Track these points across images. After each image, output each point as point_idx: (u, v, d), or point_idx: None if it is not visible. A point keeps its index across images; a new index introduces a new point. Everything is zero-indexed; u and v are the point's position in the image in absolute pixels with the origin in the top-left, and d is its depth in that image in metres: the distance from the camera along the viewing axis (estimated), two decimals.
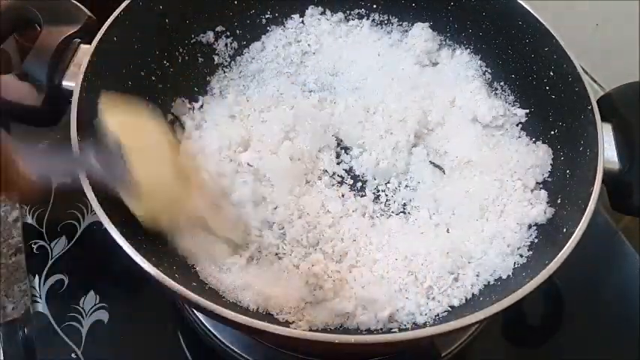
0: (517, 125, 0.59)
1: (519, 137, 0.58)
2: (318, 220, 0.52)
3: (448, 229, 0.52)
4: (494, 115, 0.58)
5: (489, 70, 0.63)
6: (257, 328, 0.38)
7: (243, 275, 0.47)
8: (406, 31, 0.67)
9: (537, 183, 0.54)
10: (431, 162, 0.56)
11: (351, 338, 0.38)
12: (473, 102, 0.59)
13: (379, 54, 0.64)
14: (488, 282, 0.49)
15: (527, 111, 0.59)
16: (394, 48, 0.65)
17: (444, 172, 0.55)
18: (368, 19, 0.68)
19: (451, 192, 0.54)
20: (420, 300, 0.47)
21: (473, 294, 0.49)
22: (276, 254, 0.50)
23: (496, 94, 0.62)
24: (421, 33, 0.65)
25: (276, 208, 0.52)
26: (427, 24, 0.65)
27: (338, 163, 0.58)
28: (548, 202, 0.53)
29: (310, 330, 0.44)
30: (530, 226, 0.51)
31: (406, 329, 0.46)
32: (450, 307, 0.48)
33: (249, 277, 0.47)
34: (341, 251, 0.50)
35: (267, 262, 0.49)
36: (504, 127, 0.59)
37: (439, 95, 0.61)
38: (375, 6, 0.68)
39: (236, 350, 0.55)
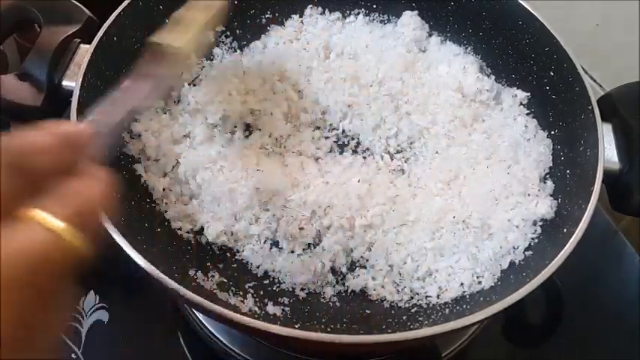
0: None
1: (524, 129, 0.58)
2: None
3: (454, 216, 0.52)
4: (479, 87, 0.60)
5: (489, 70, 0.63)
6: (257, 328, 0.38)
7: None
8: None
9: (541, 178, 0.54)
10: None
11: (350, 338, 0.38)
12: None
13: (367, 46, 0.64)
14: (488, 281, 0.49)
15: (529, 93, 0.59)
16: (385, 39, 0.66)
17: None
18: (367, 17, 0.68)
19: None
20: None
21: (473, 293, 0.49)
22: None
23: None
24: (410, 21, 0.65)
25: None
26: (415, 12, 0.66)
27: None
28: (552, 196, 0.53)
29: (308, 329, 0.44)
30: (534, 223, 0.51)
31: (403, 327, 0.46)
32: (447, 303, 0.48)
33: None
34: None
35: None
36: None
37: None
38: (375, 6, 0.68)
39: (236, 350, 0.55)
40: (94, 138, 0.30)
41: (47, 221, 0.24)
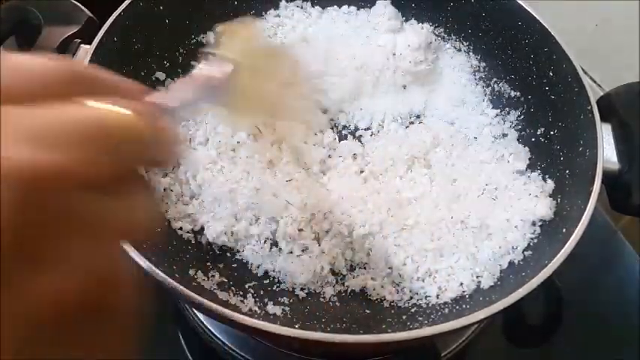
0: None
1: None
2: None
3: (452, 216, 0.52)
4: None
5: (489, 70, 0.63)
6: (257, 328, 0.38)
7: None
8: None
9: (541, 178, 0.55)
10: None
11: (350, 337, 0.38)
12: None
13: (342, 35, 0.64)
14: (488, 281, 0.49)
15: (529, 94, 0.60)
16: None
17: None
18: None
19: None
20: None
21: (472, 293, 0.49)
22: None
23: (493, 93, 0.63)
24: (384, 11, 0.65)
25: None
26: (388, 1, 0.65)
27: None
28: (551, 196, 0.53)
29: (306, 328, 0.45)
30: (534, 223, 0.51)
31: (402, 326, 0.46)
32: (446, 303, 0.48)
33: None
34: None
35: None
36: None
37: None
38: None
39: (236, 350, 0.55)
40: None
41: None
